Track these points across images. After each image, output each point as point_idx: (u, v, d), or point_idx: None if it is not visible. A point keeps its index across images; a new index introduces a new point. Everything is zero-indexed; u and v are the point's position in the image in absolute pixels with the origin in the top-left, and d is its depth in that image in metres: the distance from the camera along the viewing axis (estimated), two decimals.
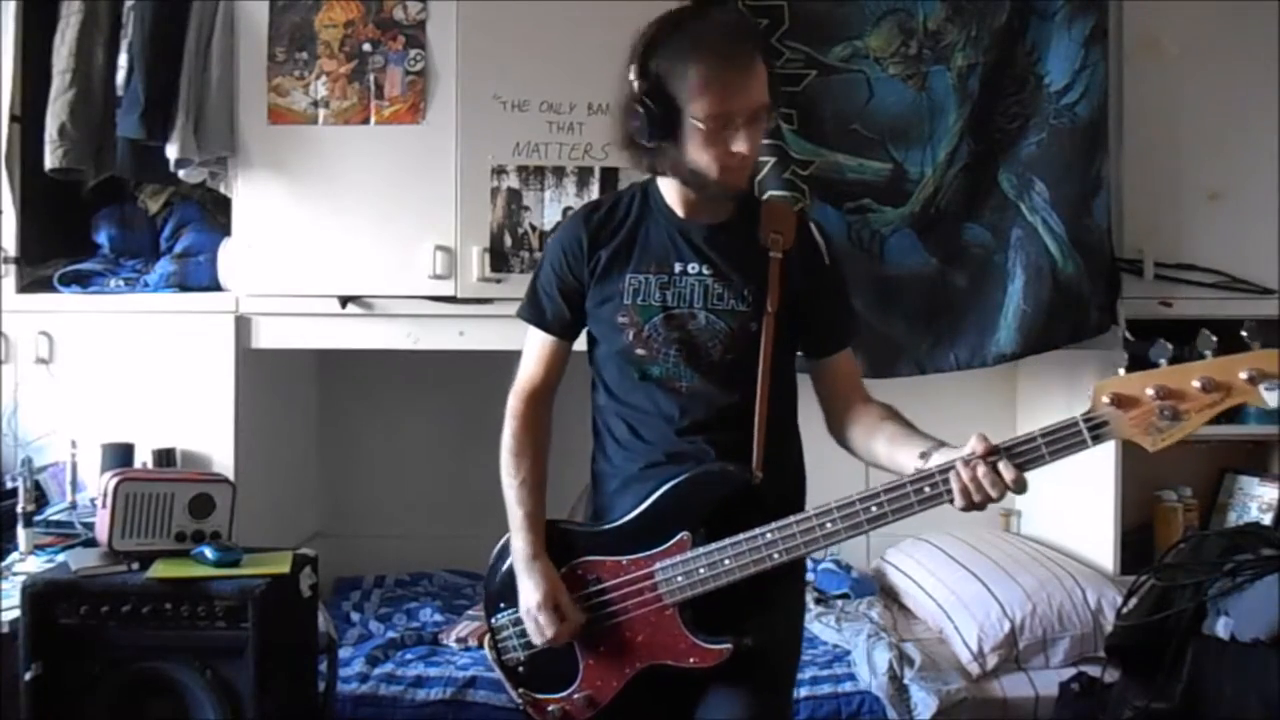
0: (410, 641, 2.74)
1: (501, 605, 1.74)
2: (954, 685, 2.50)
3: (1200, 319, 2.87)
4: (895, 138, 2.83)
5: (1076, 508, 3.05)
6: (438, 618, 2.90)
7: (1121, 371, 1.40)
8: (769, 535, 1.54)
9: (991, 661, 2.61)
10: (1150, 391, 1.36)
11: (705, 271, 1.63)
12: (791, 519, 1.54)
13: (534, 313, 1.74)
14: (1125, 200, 2.86)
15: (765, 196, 2.74)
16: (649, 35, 1.55)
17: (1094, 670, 2.49)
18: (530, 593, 1.65)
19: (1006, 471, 1.42)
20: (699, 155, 1.55)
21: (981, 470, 1.43)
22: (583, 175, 2.74)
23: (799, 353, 1.73)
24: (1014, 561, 2.88)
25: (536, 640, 1.66)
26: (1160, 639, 2.26)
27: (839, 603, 3.00)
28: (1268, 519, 2.90)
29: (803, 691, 2.48)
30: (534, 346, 1.75)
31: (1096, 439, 1.39)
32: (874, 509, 1.50)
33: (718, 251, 1.64)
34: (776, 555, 1.54)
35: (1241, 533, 2.46)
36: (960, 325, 2.81)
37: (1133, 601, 2.40)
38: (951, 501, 1.46)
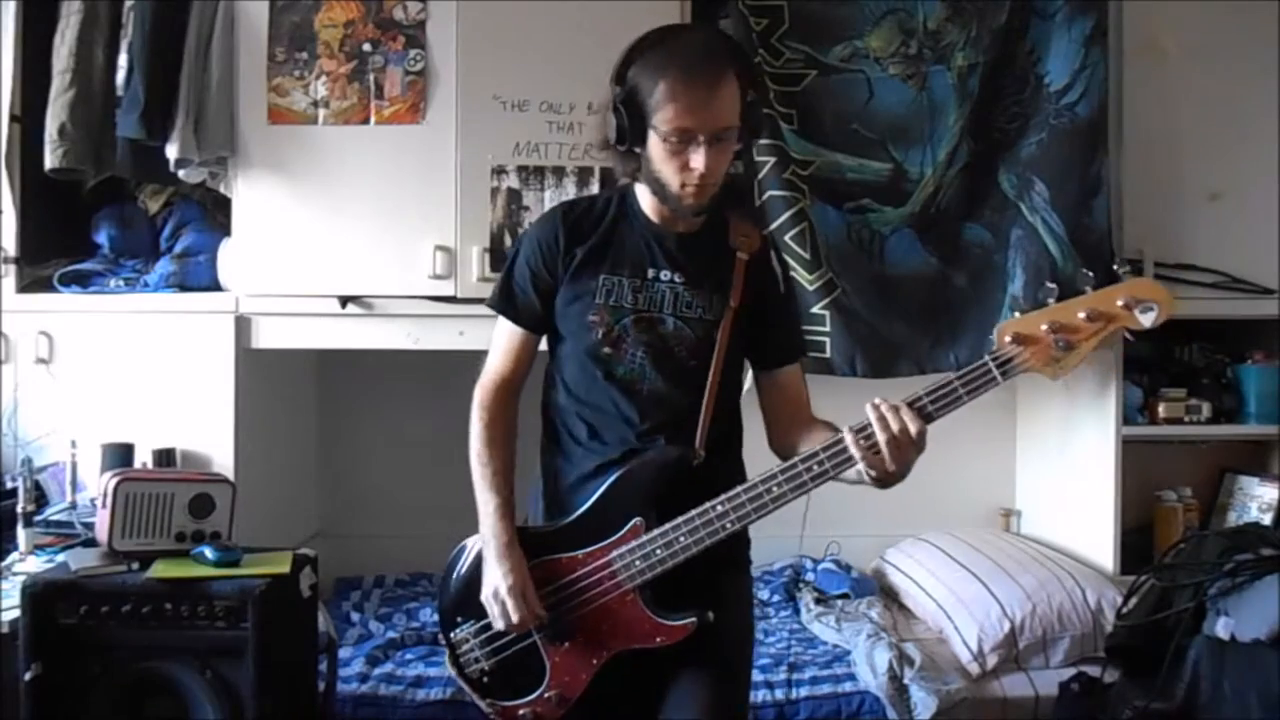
0: (410, 641, 2.73)
1: (459, 619, 1.75)
2: (954, 685, 2.50)
3: (1200, 319, 2.87)
4: (895, 138, 2.84)
5: (1076, 508, 3.05)
6: (438, 618, 2.90)
7: (1016, 315, 1.56)
8: (720, 507, 1.59)
9: (991, 661, 2.62)
10: (1045, 327, 1.53)
11: (677, 279, 1.68)
12: (739, 488, 1.59)
13: (506, 304, 1.75)
14: (1125, 200, 2.86)
15: (764, 197, 2.74)
16: (631, 46, 1.61)
17: (1094, 670, 2.49)
18: (501, 578, 1.64)
19: (907, 416, 1.51)
20: (662, 166, 1.60)
21: (887, 408, 1.52)
22: (583, 175, 2.74)
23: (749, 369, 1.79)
24: (1014, 561, 2.88)
25: (499, 624, 1.65)
26: (1160, 639, 2.26)
27: (839, 603, 3.00)
28: (1268, 519, 2.91)
29: (803, 691, 2.48)
30: (502, 339, 1.77)
31: (1005, 374, 1.54)
32: (815, 467, 1.57)
33: (689, 259, 1.69)
34: (729, 525, 1.59)
35: (1241, 533, 2.47)
36: (960, 325, 2.81)
37: (1133, 601, 2.41)
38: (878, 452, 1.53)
